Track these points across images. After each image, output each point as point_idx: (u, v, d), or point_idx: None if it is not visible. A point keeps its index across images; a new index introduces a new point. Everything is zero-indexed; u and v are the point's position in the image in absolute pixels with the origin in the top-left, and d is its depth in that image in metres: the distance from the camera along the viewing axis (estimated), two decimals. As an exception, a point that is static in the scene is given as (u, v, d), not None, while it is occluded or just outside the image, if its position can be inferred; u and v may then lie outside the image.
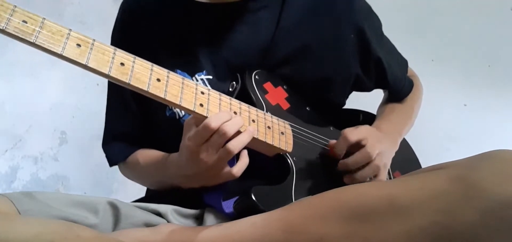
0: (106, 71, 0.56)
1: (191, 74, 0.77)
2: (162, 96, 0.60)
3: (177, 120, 0.77)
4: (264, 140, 0.70)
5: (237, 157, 0.67)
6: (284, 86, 0.80)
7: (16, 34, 0.51)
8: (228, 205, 0.69)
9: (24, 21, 0.51)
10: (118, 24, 0.85)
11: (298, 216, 0.56)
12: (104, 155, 0.86)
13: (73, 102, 1.67)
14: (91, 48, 0.56)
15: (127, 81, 0.58)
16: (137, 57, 0.60)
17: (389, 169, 0.84)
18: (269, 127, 0.72)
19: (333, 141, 0.78)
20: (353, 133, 0.75)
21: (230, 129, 0.62)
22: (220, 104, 0.66)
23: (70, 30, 0.55)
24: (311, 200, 0.58)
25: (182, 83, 0.63)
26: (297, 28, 0.80)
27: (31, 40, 0.51)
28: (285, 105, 0.79)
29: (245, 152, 0.67)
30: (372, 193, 0.52)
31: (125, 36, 0.82)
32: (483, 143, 1.44)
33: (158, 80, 0.61)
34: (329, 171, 0.79)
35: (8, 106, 1.64)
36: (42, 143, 1.64)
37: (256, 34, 0.79)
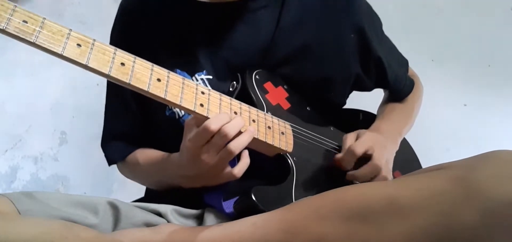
0: (106, 71, 0.56)
1: (191, 74, 0.77)
2: (163, 96, 0.60)
3: (177, 120, 0.77)
4: (264, 140, 0.70)
5: (238, 157, 0.67)
6: (285, 86, 0.80)
7: (17, 34, 0.51)
8: (228, 205, 0.69)
9: (25, 21, 0.51)
10: (117, 23, 0.85)
11: (298, 216, 0.56)
12: (103, 155, 0.86)
13: (73, 102, 1.67)
14: (92, 48, 0.55)
15: (127, 81, 0.58)
16: (137, 57, 0.60)
17: (389, 169, 0.84)
18: (269, 127, 0.72)
19: (339, 155, 0.77)
20: (359, 146, 0.75)
21: (231, 130, 0.62)
22: (220, 104, 0.66)
23: (71, 30, 0.55)
24: (311, 200, 0.58)
25: (183, 83, 0.63)
26: (297, 27, 0.80)
27: (32, 40, 0.51)
28: (286, 105, 0.79)
29: (246, 152, 0.67)
30: (372, 193, 0.52)
31: (125, 36, 0.82)
32: (483, 143, 1.44)
33: (159, 80, 0.61)
34: (329, 171, 0.79)
35: (8, 106, 1.64)
36: (42, 143, 1.64)
37: (256, 34, 0.79)
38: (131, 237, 0.63)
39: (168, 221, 0.69)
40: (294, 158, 0.74)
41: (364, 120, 0.94)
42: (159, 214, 0.69)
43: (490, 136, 1.50)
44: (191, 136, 0.63)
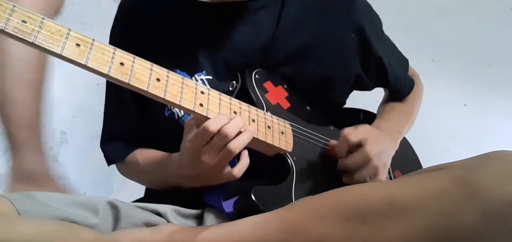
0: (105, 71, 0.56)
1: (191, 74, 0.77)
2: (162, 96, 0.60)
3: (176, 121, 0.77)
4: (264, 140, 0.70)
5: (238, 157, 0.67)
6: (284, 86, 0.80)
7: (15, 34, 0.50)
8: (228, 205, 0.69)
9: (23, 21, 0.51)
10: (117, 23, 0.85)
11: (298, 216, 0.56)
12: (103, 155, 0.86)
13: (73, 102, 1.67)
14: (91, 48, 0.55)
15: (126, 81, 0.57)
16: (136, 57, 0.60)
17: (389, 169, 0.84)
18: (269, 127, 0.71)
19: (333, 142, 0.78)
20: (354, 134, 0.75)
21: (231, 131, 0.62)
22: (220, 103, 0.66)
23: (70, 29, 0.54)
24: (311, 200, 0.58)
25: (182, 83, 0.63)
26: (297, 27, 0.80)
27: (30, 40, 0.51)
28: (285, 105, 0.79)
29: (245, 152, 0.67)
30: (372, 194, 0.52)
31: (124, 36, 0.82)
32: (483, 143, 1.44)
33: (158, 80, 0.60)
34: (329, 171, 0.79)
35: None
36: (42, 143, 1.64)
37: (256, 34, 0.79)
38: (131, 237, 0.62)
39: (168, 221, 0.69)
40: (294, 158, 0.74)
41: (364, 119, 0.94)
42: (159, 214, 0.69)
43: (490, 136, 1.50)
44: (191, 137, 0.63)
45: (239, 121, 0.64)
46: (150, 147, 0.83)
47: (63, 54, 0.53)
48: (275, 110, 0.76)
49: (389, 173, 0.87)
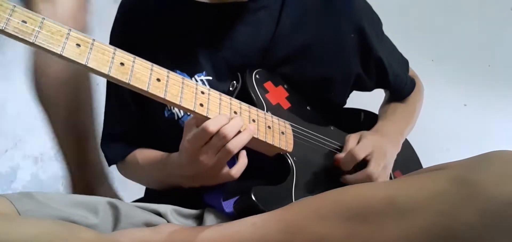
0: (105, 71, 0.56)
1: (191, 75, 0.77)
2: (162, 96, 0.60)
3: (176, 121, 0.77)
4: (264, 140, 0.70)
5: (237, 157, 0.67)
6: (285, 86, 0.80)
7: (16, 34, 0.50)
8: (228, 205, 0.69)
9: (24, 21, 0.51)
10: (116, 24, 0.85)
11: (298, 216, 0.56)
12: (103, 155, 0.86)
13: (73, 102, 1.66)
14: (91, 48, 0.55)
15: (127, 81, 0.57)
16: (136, 57, 0.60)
17: (389, 169, 0.84)
18: (269, 127, 0.71)
19: (340, 155, 0.77)
20: (361, 150, 0.75)
21: (230, 131, 0.62)
22: (220, 104, 0.66)
23: (70, 29, 0.54)
24: (311, 200, 0.58)
25: (182, 83, 0.63)
26: (297, 27, 0.80)
27: (31, 40, 0.51)
28: (286, 105, 0.79)
29: (243, 152, 0.67)
30: (372, 194, 0.52)
31: (124, 36, 0.82)
32: (483, 143, 1.44)
33: (158, 80, 0.60)
34: (329, 171, 0.79)
35: (8, 106, 1.64)
36: (42, 143, 1.64)
37: (256, 34, 0.79)
38: (131, 237, 0.63)
39: (168, 221, 0.69)
40: (294, 158, 0.74)
41: (365, 119, 0.94)
42: (159, 214, 0.69)
43: (490, 136, 1.50)
44: (189, 137, 0.63)
45: (238, 122, 0.64)
46: (150, 147, 0.83)
47: (63, 54, 0.53)
48: (275, 110, 0.76)
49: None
